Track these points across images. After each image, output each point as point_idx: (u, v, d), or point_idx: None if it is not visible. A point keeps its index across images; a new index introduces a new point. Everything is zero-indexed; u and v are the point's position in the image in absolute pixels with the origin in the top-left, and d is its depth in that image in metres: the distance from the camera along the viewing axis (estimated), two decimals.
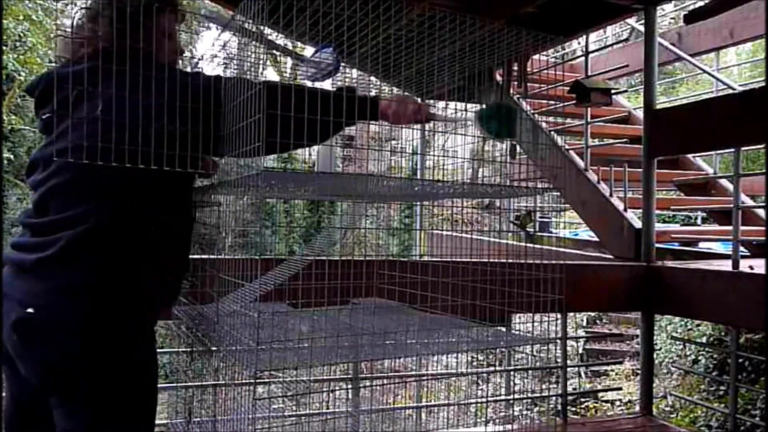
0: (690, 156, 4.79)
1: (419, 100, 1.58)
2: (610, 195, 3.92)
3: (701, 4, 4.18)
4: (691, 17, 3.54)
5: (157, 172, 1.35)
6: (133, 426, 1.40)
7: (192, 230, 1.59)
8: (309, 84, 1.61)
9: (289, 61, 11.32)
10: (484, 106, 1.66)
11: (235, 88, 1.35)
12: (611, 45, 6.06)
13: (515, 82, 4.61)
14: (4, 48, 8.16)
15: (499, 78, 4.63)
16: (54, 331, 1.30)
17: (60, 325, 1.30)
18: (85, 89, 1.37)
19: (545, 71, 4.18)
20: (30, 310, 1.29)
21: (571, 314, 6.16)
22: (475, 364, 6.16)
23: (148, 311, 1.45)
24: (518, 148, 3.23)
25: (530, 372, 5.17)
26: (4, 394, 1.48)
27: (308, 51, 2.81)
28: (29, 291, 1.31)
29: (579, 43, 6.96)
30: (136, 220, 1.38)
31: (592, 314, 8.16)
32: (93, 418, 1.33)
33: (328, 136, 1.43)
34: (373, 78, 2.29)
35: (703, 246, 4.83)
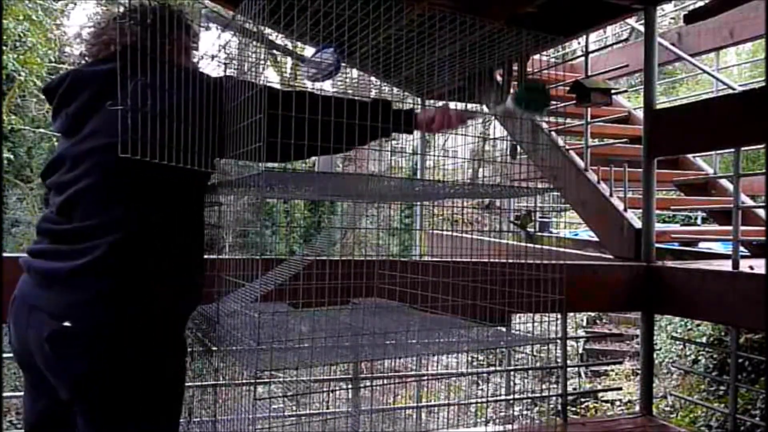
0: (690, 156, 4.79)
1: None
2: (610, 195, 3.92)
3: (701, 4, 4.18)
4: (691, 17, 3.53)
5: (184, 174, 1.33)
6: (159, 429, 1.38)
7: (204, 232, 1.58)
8: (339, 94, 1.63)
9: (290, 62, 11.31)
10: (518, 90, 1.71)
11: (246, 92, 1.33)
12: (611, 45, 6.06)
13: (515, 82, 4.61)
14: (4, 48, 8.15)
15: (499, 78, 4.63)
16: (93, 343, 1.24)
17: (100, 337, 1.24)
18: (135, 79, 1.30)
19: (545, 71, 4.17)
20: (67, 323, 1.22)
21: (571, 314, 6.15)
22: (475, 364, 6.16)
23: (178, 313, 1.42)
24: (518, 148, 3.23)
25: (530, 372, 5.17)
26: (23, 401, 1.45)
27: (308, 51, 2.81)
28: (63, 302, 1.24)
29: (579, 43, 6.96)
30: (169, 225, 1.35)
31: (592, 314, 8.15)
32: (119, 424, 1.30)
33: (359, 144, 1.45)
34: (373, 78, 2.29)
35: (703, 246, 4.82)
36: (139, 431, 1.32)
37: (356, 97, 1.48)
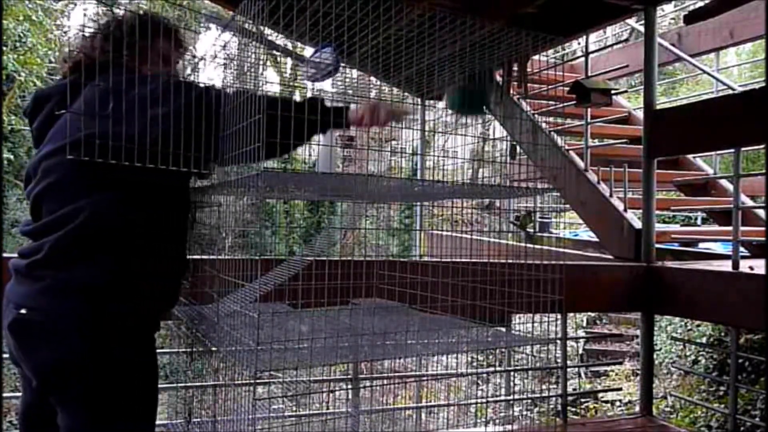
0: (690, 156, 4.79)
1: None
2: (610, 195, 3.92)
3: (701, 4, 4.18)
4: (691, 17, 3.53)
5: (144, 170, 1.36)
6: (131, 426, 1.41)
7: (187, 229, 1.60)
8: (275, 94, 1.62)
9: (289, 62, 11.32)
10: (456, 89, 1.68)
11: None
12: (611, 45, 6.06)
13: (515, 83, 4.61)
14: (4, 48, 8.16)
15: (499, 78, 4.63)
16: (47, 332, 1.32)
17: (52, 326, 1.32)
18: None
19: (545, 72, 4.17)
20: (23, 311, 1.32)
21: (571, 314, 6.15)
22: (475, 364, 6.16)
23: (143, 311, 1.45)
24: (518, 148, 3.23)
25: (530, 372, 5.17)
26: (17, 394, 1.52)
27: (308, 51, 2.81)
28: (23, 293, 1.35)
29: (579, 44, 6.97)
30: (123, 219, 1.39)
31: (592, 314, 8.15)
32: (89, 417, 1.35)
33: (289, 149, 1.40)
34: (373, 78, 2.29)
35: (703, 246, 4.82)
36: (108, 425, 1.36)
37: (286, 96, 1.49)
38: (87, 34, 1.52)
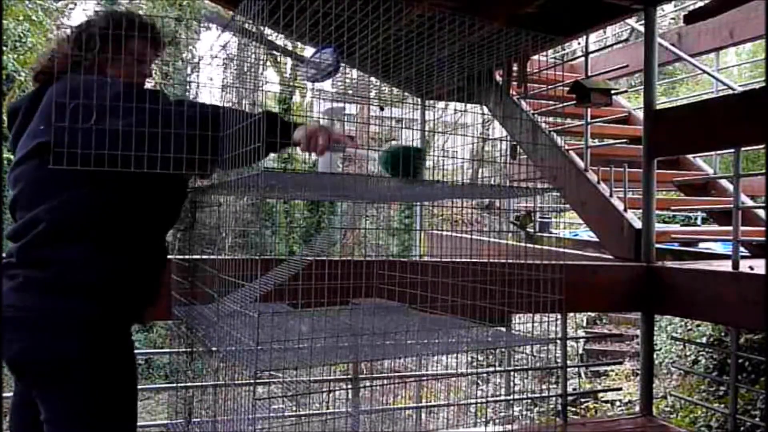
0: (690, 156, 4.79)
1: (338, 126, 1.61)
2: (610, 195, 3.92)
3: (701, 4, 4.18)
4: (691, 17, 3.54)
5: (112, 176, 1.37)
6: (111, 421, 1.44)
7: (163, 222, 1.62)
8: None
9: (289, 62, 11.32)
10: (389, 148, 1.64)
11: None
12: (611, 45, 6.06)
13: (515, 83, 4.61)
14: (4, 48, 8.16)
15: (498, 78, 4.63)
16: (18, 328, 1.36)
17: (21, 322, 1.36)
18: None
19: (545, 72, 4.17)
20: None
21: (571, 314, 6.15)
22: (475, 364, 6.16)
23: (113, 306, 1.47)
24: (518, 148, 3.23)
25: (530, 372, 5.17)
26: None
27: (308, 51, 2.81)
28: (2, 291, 1.39)
29: (579, 43, 6.97)
30: (86, 216, 1.43)
31: (592, 314, 8.15)
32: (66, 411, 1.39)
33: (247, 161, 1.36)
34: (373, 78, 2.29)
35: (703, 246, 4.82)
36: (86, 415, 1.39)
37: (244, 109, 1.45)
38: (58, 40, 1.56)
